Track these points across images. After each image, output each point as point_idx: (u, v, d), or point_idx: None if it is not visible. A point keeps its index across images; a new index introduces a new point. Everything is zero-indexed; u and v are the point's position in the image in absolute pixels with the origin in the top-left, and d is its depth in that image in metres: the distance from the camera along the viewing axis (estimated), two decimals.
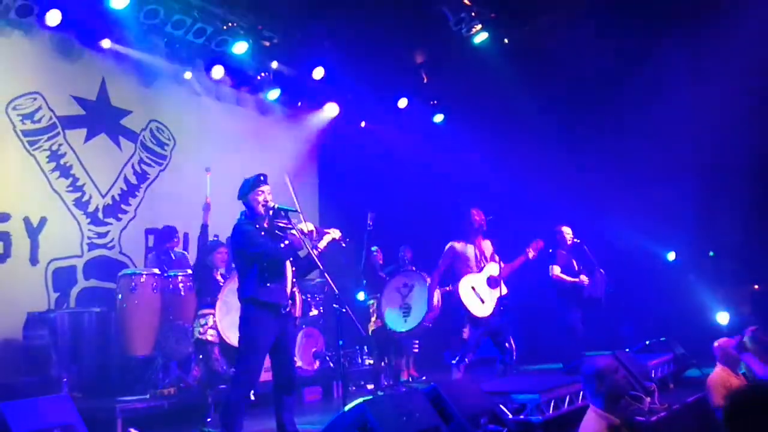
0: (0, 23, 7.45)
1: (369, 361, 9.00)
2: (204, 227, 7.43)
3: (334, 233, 5.34)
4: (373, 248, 8.96)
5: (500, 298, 6.79)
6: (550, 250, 8.14)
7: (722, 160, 9.99)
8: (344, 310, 5.13)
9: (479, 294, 6.81)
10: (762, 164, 9.77)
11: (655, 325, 9.12)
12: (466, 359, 6.74)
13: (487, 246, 6.98)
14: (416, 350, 8.73)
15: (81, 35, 8.02)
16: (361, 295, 8.82)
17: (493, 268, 6.84)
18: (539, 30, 9.74)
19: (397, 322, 7.69)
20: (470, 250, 6.89)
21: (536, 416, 5.30)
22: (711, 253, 11.04)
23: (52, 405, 5.49)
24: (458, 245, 6.91)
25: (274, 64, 9.25)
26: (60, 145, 8.00)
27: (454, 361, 6.85)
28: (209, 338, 6.61)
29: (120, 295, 7.02)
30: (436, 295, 7.50)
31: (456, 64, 10.16)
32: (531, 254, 6.78)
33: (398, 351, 8.43)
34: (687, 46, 9.96)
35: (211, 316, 6.75)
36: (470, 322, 6.85)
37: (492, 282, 6.79)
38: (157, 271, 7.20)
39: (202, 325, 6.74)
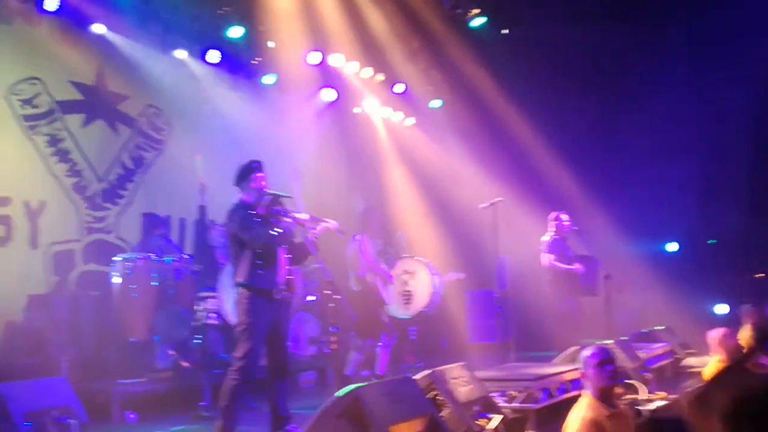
0: (1, 9, 7.44)
1: None
2: (202, 208, 7.49)
3: (331, 223, 5.37)
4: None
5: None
6: (543, 239, 8.14)
7: (723, 149, 9.98)
8: (338, 296, 5.17)
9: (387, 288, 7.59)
10: (762, 154, 9.76)
11: (654, 313, 9.13)
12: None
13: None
14: (413, 337, 8.77)
15: (79, 20, 7.99)
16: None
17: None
18: (540, 19, 9.71)
19: (397, 309, 7.76)
20: (374, 246, 7.56)
21: (530, 404, 5.32)
22: (711, 241, 11.03)
23: (51, 387, 5.53)
24: (369, 239, 7.49)
25: (270, 44, 9.17)
26: (59, 129, 8.00)
27: (380, 344, 7.31)
28: (209, 321, 6.65)
29: (116, 279, 7.05)
30: (437, 281, 7.60)
31: (453, 49, 10.12)
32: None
33: (401, 337, 8.49)
34: (690, 32, 9.92)
35: (211, 299, 6.80)
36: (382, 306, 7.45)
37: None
38: (153, 255, 7.22)
39: (202, 310, 6.78)
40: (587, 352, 4.04)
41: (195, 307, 6.93)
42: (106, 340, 7.14)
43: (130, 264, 7.05)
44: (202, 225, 7.54)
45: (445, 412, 4.63)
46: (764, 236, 9.94)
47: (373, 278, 7.40)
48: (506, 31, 10.31)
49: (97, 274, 7.95)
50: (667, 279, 9.93)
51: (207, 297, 6.89)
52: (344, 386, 4.32)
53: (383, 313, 7.38)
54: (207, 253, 7.34)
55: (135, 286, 6.99)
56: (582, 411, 3.92)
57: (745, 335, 6.76)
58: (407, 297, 7.70)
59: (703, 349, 6.28)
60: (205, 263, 7.29)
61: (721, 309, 9.79)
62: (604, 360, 3.92)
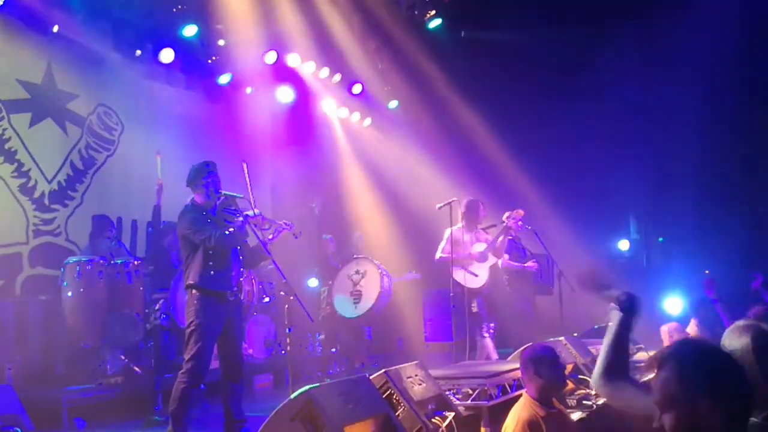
0: None
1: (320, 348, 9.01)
2: (156, 208, 7.37)
3: (286, 225, 5.35)
4: (325, 236, 8.99)
5: (492, 267, 7.51)
6: (500, 238, 8.25)
7: (673, 149, 10.24)
8: (292, 297, 5.14)
9: (471, 270, 7.36)
10: (710, 152, 10.05)
11: (604, 309, 9.31)
12: (491, 329, 7.34)
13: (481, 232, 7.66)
14: (369, 337, 8.78)
15: (26, 17, 7.75)
16: (312, 282, 8.84)
17: (478, 246, 7.47)
18: (494, 23, 9.84)
19: (346, 308, 7.80)
20: (465, 236, 7.47)
21: (484, 401, 5.37)
22: (660, 239, 11.33)
23: None
24: (455, 231, 7.41)
25: (221, 42, 9.08)
26: (4, 129, 7.76)
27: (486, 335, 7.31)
28: (161, 323, 6.55)
29: (65, 283, 6.87)
30: (387, 282, 7.66)
31: (410, 50, 10.18)
32: (505, 220, 7.41)
33: (354, 338, 8.50)
34: (639, 36, 10.16)
35: (164, 300, 6.69)
36: (473, 296, 7.34)
37: (481, 257, 7.41)
38: (104, 258, 7.05)
39: (155, 311, 6.67)
40: (533, 350, 4.06)
41: (147, 310, 6.81)
42: (54, 346, 6.96)
43: (79, 267, 6.87)
44: (157, 226, 7.39)
45: (400, 411, 4.64)
46: (712, 234, 10.24)
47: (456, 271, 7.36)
48: (464, 33, 10.41)
49: (44, 278, 7.74)
50: (619, 276, 10.13)
51: (160, 298, 6.78)
52: None
53: (473, 304, 7.37)
54: (161, 254, 7.21)
55: (84, 290, 6.81)
56: (518, 411, 3.95)
57: (691, 329, 7.03)
58: (357, 296, 7.81)
59: (652, 344, 6.44)
60: (158, 264, 7.16)
61: (671, 304, 10.06)
62: (550, 360, 3.93)
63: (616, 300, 2.42)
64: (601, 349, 2.41)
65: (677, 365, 1.78)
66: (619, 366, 2.33)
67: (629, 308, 2.40)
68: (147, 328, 6.77)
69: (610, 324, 2.45)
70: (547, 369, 3.89)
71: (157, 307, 6.72)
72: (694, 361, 1.79)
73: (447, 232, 7.40)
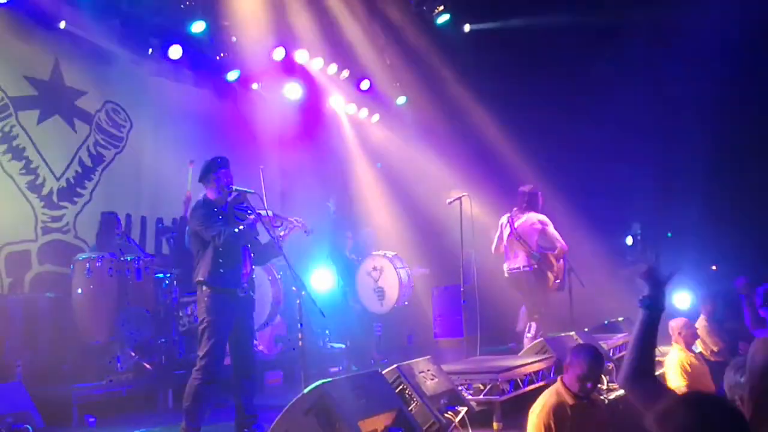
0: None
1: (330, 344, 9.00)
2: (183, 219, 7.37)
3: (297, 222, 5.33)
4: (346, 232, 9.01)
5: None
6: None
7: (680, 144, 10.20)
8: (303, 293, 5.12)
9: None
10: (718, 147, 10.02)
11: (614, 305, 9.29)
12: None
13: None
14: (379, 333, 8.77)
15: (33, 13, 7.74)
16: (317, 281, 8.81)
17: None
18: (502, 18, 9.84)
19: (374, 305, 7.87)
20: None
21: (496, 396, 5.35)
22: (669, 234, 11.30)
23: (5, 392, 5.39)
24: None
25: (231, 39, 9.07)
26: (12, 126, 7.75)
27: (529, 336, 7.41)
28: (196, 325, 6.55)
29: (75, 280, 6.86)
30: (405, 274, 7.69)
31: (419, 46, 10.17)
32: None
33: (364, 334, 8.51)
34: (649, 30, 10.13)
35: (194, 302, 6.70)
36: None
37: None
38: (113, 255, 7.04)
39: (189, 315, 6.67)
40: (586, 344, 4.12)
41: (180, 313, 6.81)
42: (64, 343, 6.95)
43: (89, 264, 6.86)
44: (181, 237, 7.38)
45: (413, 406, 4.62)
46: (719, 229, 10.21)
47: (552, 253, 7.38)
48: (468, 28, 10.40)
49: (54, 275, 7.74)
50: (627, 272, 10.11)
51: (191, 301, 6.78)
52: None
53: (548, 298, 7.40)
54: (186, 257, 7.19)
55: (94, 287, 6.80)
56: (548, 395, 4.00)
57: (700, 324, 7.02)
58: (380, 293, 7.87)
59: (662, 338, 6.42)
60: (184, 267, 7.13)
61: (680, 299, 10.04)
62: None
63: (640, 297, 2.38)
64: (627, 349, 2.38)
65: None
66: (644, 367, 2.30)
67: (652, 306, 2.34)
68: (181, 330, 6.75)
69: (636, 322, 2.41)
70: (597, 364, 3.97)
71: (189, 312, 6.71)
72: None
73: (548, 224, 7.42)
